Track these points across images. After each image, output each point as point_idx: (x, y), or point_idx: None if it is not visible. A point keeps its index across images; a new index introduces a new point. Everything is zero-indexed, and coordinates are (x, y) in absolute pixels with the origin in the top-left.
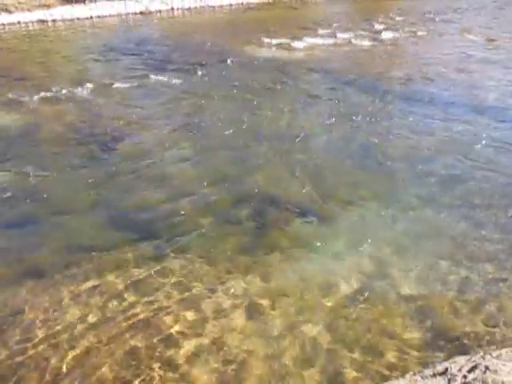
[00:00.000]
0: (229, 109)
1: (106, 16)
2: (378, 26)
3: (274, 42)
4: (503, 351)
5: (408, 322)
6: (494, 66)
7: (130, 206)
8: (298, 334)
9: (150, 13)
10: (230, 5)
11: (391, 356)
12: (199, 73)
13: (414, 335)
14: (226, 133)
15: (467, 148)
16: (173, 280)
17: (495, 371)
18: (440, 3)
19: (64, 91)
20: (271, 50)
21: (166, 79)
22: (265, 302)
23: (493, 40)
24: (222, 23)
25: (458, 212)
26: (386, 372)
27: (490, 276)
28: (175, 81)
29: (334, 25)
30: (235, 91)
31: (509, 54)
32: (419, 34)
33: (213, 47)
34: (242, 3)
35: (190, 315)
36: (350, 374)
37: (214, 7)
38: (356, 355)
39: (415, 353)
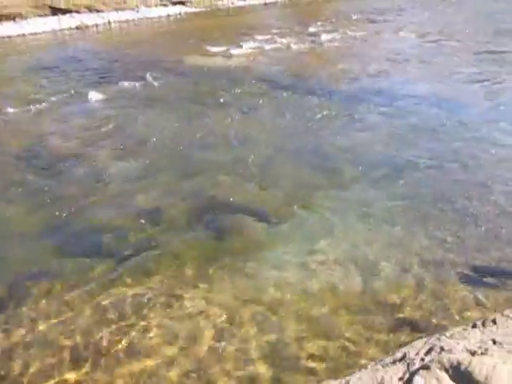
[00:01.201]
0: (175, 120)
1: (39, 33)
2: (315, 29)
3: (215, 50)
4: (456, 330)
5: (362, 313)
6: (427, 61)
7: (80, 227)
8: (266, 337)
9: (87, 27)
10: (168, 15)
11: (348, 349)
12: (141, 86)
13: (371, 326)
14: (174, 144)
15: (409, 140)
16: (129, 299)
17: (450, 350)
18: (374, 4)
19: None
20: (213, 58)
21: (105, 94)
22: (223, 310)
23: (424, 36)
24: (162, 34)
25: (404, 207)
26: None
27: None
28: (116, 95)
29: (273, 30)
30: (180, 102)
31: (439, 48)
32: (355, 34)
33: (153, 59)
34: (180, 13)
35: (151, 332)
36: (312, 366)
37: (151, 19)
38: (315, 348)
39: (371, 343)
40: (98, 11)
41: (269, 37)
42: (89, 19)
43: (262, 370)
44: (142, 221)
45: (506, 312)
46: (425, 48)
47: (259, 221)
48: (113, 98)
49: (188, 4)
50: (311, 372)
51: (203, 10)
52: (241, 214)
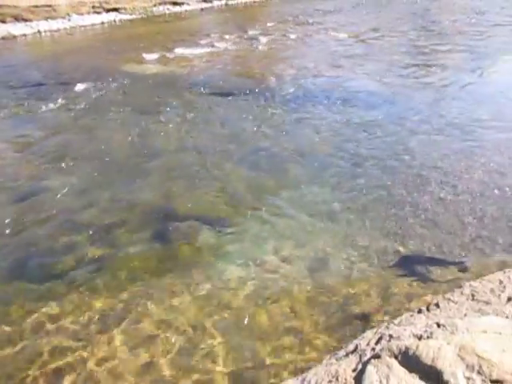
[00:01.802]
0: (115, 130)
1: None
2: (253, 32)
3: (153, 57)
4: (403, 317)
5: (315, 310)
6: (361, 59)
7: (21, 247)
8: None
9: (14, 37)
10: (102, 23)
11: (304, 343)
12: (76, 97)
13: (324, 321)
14: (117, 154)
15: (349, 137)
16: (83, 318)
17: (398, 337)
18: (307, 6)
19: None
20: (151, 65)
21: (38, 106)
22: (178, 321)
23: (357, 36)
24: (97, 42)
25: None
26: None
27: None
28: (48, 108)
29: (211, 35)
30: (119, 111)
31: (369, 47)
32: (291, 36)
33: (89, 68)
34: (115, 20)
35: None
36: (271, 362)
37: (85, 27)
38: (271, 348)
39: (326, 338)
40: (25, 20)
41: (207, 41)
42: (16, 29)
43: (225, 370)
44: (88, 236)
45: (448, 295)
46: (359, 47)
47: (210, 227)
48: (45, 111)
49: (122, 11)
50: (271, 368)
51: (138, 16)
52: (191, 221)
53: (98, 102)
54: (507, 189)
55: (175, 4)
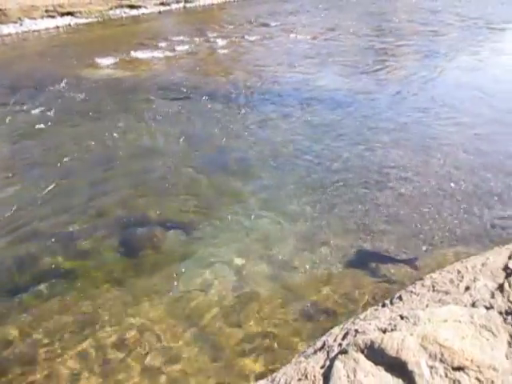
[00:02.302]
0: (74, 137)
1: None
2: (212, 35)
3: (111, 61)
4: (368, 311)
5: (282, 310)
6: (320, 59)
7: None
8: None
9: None
10: (57, 27)
11: (272, 346)
12: (32, 105)
13: (292, 320)
14: (77, 162)
15: (311, 137)
16: (40, 334)
17: (363, 332)
18: (266, 9)
19: None
20: (109, 70)
21: None
22: (144, 329)
23: (315, 37)
24: (51, 47)
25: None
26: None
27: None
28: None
29: (169, 38)
30: (77, 118)
31: (328, 47)
32: (251, 38)
33: (43, 74)
34: (70, 24)
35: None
36: (243, 363)
37: (38, 31)
38: (240, 349)
39: (294, 336)
40: None
41: (166, 45)
42: None
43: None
44: (51, 246)
45: (410, 288)
46: (319, 48)
47: (175, 232)
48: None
49: (78, 15)
50: (240, 370)
51: (95, 20)
52: (155, 227)
53: (54, 109)
54: (462, 182)
55: (132, 7)
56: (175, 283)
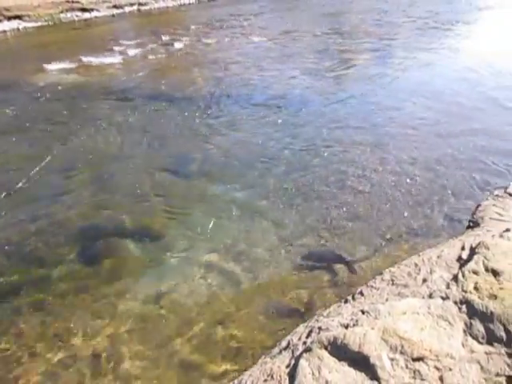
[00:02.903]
0: (24, 146)
1: None
2: (169, 38)
3: (64, 66)
4: (331, 308)
5: (246, 312)
6: (278, 60)
7: None
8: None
9: None
10: (4, 31)
11: (239, 350)
12: None
13: (258, 322)
14: (29, 171)
15: (271, 136)
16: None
17: (327, 329)
18: (222, 11)
19: None
20: (62, 75)
21: None
22: (105, 342)
23: (272, 38)
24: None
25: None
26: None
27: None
28: None
29: (124, 41)
30: (26, 125)
31: (285, 49)
32: (208, 41)
33: None
34: (18, 28)
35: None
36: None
37: None
38: (205, 354)
39: (261, 338)
40: None
41: (120, 49)
42: None
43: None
44: (9, 255)
45: (370, 283)
46: (276, 49)
47: (136, 240)
48: None
49: (26, 18)
50: (210, 372)
51: (45, 24)
52: (117, 236)
53: (1, 117)
54: (417, 178)
55: (84, 10)
56: (134, 292)
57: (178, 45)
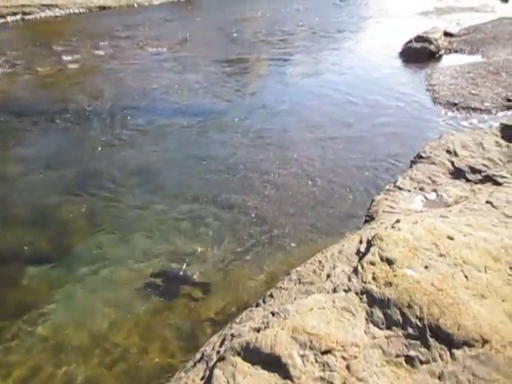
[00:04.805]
0: None
1: None
2: (58, 49)
3: None
4: (244, 314)
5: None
6: (177, 71)
7: None
8: None
9: None
10: None
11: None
12: None
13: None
14: None
15: (189, 146)
16: None
17: (239, 335)
18: (114, 21)
19: None
20: None
21: None
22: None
23: (169, 49)
24: None
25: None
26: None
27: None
28: None
29: (7, 53)
30: None
31: (183, 59)
32: (101, 53)
33: None
34: None
35: None
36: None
37: None
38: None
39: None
40: None
41: (3, 61)
42: None
43: None
44: None
45: (279, 284)
46: (175, 60)
47: (38, 265)
48: None
49: None
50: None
51: None
52: (19, 262)
53: None
54: (317, 179)
55: None
56: (41, 320)
57: (68, 57)
